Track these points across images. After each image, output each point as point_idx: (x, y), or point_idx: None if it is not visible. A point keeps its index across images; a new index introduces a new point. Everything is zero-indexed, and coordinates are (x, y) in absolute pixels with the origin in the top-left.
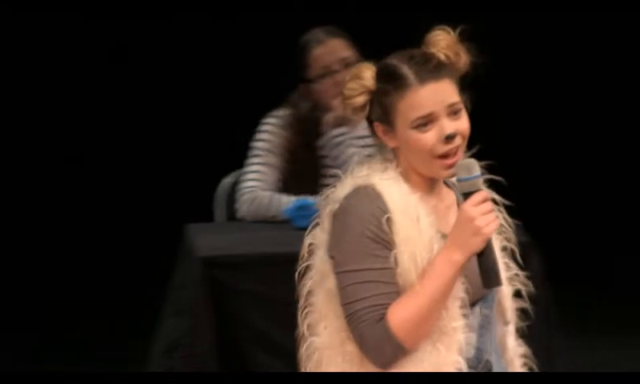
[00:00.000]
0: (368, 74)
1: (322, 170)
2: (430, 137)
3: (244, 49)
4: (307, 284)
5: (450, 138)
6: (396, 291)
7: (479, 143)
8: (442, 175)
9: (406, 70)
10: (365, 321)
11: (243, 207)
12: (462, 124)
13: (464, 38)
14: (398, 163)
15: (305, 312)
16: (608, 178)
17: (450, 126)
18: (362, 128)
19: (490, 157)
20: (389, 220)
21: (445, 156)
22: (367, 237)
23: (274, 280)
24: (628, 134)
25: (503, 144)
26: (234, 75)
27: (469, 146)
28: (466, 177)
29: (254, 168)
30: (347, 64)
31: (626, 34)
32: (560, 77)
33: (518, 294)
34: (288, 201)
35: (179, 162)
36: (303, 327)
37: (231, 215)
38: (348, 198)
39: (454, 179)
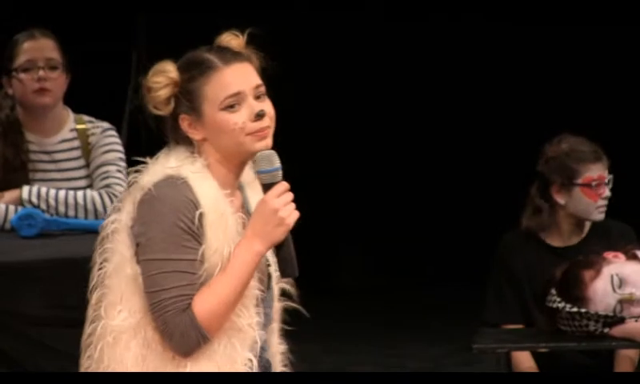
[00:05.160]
0: (171, 66)
1: (29, 170)
2: (239, 116)
3: None
4: (104, 266)
5: (259, 116)
6: (201, 283)
7: None
8: (255, 148)
9: (209, 56)
10: (170, 310)
11: None
12: (269, 106)
13: (252, 41)
14: (204, 155)
15: (99, 294)
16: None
17: (258, 105)
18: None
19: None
20: (201, 214)
21: (256, 133)
22: (179, 227)
23: None
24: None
25: None
26: None
27: None
28: (267, 168)
29: None
30: (52, 66)
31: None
32: None
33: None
34: (13, 210)
35: None
36: (95, 309)
37: None
38: (158, 186)
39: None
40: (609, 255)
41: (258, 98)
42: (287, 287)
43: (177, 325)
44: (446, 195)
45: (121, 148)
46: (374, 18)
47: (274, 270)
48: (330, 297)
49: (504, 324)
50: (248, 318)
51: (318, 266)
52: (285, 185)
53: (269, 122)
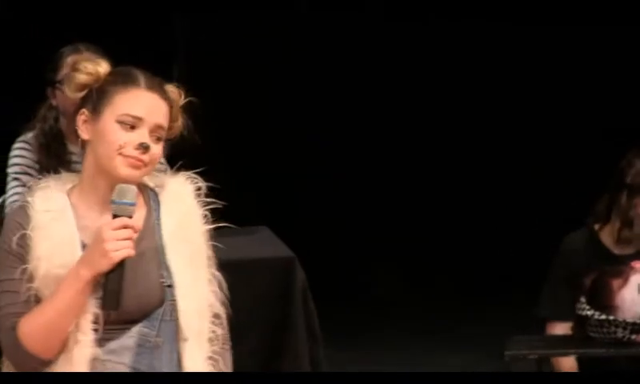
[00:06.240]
0: (105, 66)
1: None
2: (126, 135)
3: None
4: None
5: (142, 147)
6: (32, 302)
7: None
8: (122, 171)
9: (140, 74)
10: (1, 328)
11: None
12: (158, 149)
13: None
14: (85, 165)
15: None
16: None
17: (147, 139)
18: None
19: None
20: (25, 236)
21: (130, 158)
22: (5, 249)
23: None
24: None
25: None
26: None
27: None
28: (118, 200)
29: (15, 190)
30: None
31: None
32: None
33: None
34: None
35: None
36: None
37: None
38: (8, 209)
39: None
40: (636, 264)
41: (154, 137)
42: (216, 304)
43: (6, 344)
44: (474, 203)
45: (162, 159)
46: (374, 18)
47: (183, 288)
48: (368, 308)
49: (554, 320)
50: (80, 334)
51: (353, 278)
52: (126, 221)
53: (148, 159)
